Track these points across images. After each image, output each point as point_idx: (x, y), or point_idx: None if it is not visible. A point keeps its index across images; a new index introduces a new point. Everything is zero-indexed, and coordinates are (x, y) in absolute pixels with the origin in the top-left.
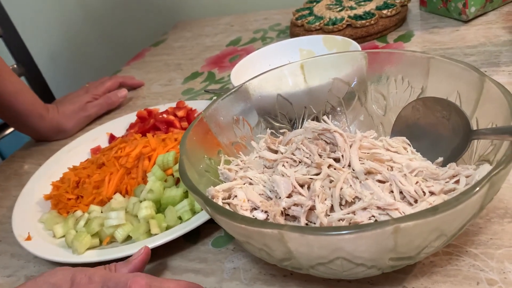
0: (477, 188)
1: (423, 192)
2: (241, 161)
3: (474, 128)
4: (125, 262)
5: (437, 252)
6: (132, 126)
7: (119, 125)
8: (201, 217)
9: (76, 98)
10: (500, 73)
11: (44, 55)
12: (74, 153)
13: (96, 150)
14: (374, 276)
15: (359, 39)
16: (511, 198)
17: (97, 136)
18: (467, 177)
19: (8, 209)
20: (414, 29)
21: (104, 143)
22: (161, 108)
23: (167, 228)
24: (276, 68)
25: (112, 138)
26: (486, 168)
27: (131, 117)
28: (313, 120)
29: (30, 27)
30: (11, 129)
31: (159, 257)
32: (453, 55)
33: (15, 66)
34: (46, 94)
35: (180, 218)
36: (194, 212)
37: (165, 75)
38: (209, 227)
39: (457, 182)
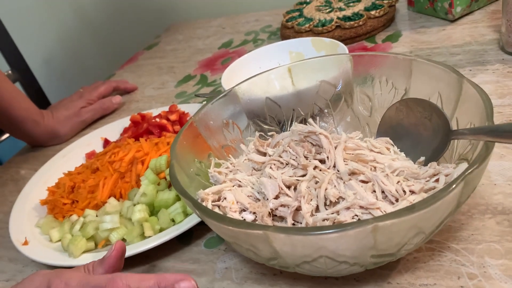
0: (452, 187)
1: (404, 191)
2: (230, 163)
3: (454, 128)
4: (100, 260)
5: (420, 248)
6: (126, 130)
7: (113, 129)
8: (193, 219)
9: (70, 104)
10: (485, 72)
11: (38, 60)
12: (69, 158)
13: (91, 155)
14: (359, 273)
15: (348, 40)
16: (492, 195)
17: (91, 141)
18: (446, 175)
19: (5, 215)
20: (402, 29)
21: (98, 148)
22: (154, 112)
23: (161, 230)
24: (264, 72)
25: (106, 142)
26: (463, 167)
27: (125, 122)
28: (301, 122)
29: (24, 32)
30: (7, 135)
31: (153, 259)
32: (439, 54)
33: (9, 72)
34: (41, 99)
35: (173, 220)
36: (186, 214)
37: (158, 78)
38: (202, 228)
39: (437, 181)
